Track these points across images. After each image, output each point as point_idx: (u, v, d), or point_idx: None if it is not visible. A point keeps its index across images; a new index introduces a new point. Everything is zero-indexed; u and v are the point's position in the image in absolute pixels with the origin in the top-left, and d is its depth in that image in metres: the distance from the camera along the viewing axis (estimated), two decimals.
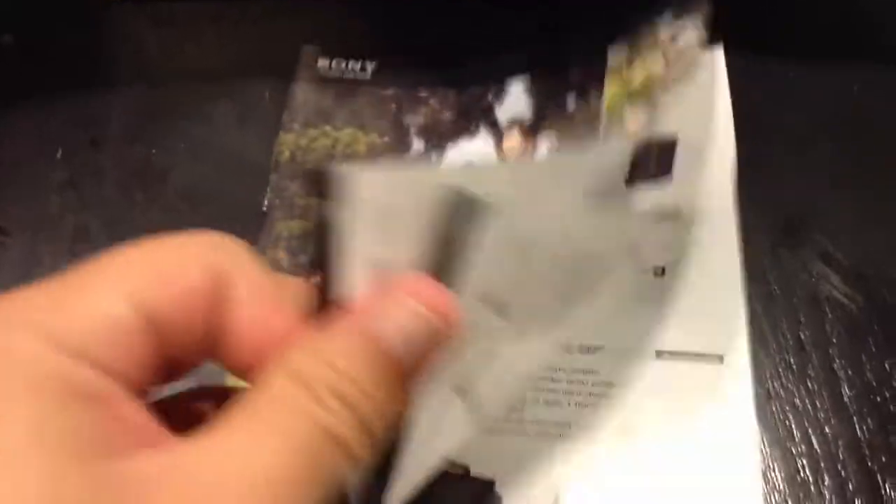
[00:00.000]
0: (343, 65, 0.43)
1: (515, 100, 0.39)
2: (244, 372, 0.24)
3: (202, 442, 0.20)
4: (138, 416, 0.21)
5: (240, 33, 0.45)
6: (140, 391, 0.22)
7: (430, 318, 0.23)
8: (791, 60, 0.41)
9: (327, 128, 0.41)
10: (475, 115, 0.40)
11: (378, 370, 0.22)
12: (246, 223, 0.38)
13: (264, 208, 0.39)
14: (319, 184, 0.22)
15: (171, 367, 0.23)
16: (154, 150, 0.41)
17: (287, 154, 0.40)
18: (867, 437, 0.32)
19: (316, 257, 0.23)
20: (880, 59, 0.41)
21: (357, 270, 0.23)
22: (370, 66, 0.43)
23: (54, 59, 0.44)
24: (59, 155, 0.41)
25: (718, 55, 0.41)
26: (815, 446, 0.32)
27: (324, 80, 0.43)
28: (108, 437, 0.20)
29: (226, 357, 0.24)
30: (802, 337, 0.35)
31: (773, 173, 0.39)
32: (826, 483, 0.32)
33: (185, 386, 0.25)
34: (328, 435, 0.20)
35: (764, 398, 0.33)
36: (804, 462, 0.32)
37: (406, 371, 0.22)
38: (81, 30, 0.45)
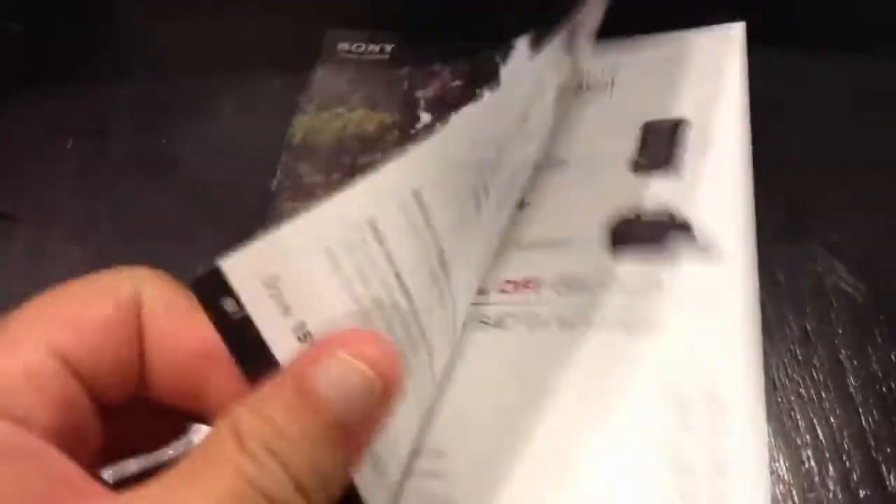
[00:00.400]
0: (362, 47, 0.43)
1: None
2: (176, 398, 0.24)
3: (139, 492, 0.20)
4: (66, 468, 0.21)
5: (248, 22, 0.45)
6: (88, 448, 0.22)
7: (368, 375, 0.22)
8: (801, 48, 0.41)
9: (340, 109, 0.41)
10: (484, 78, 0.40)
11: (313, 427, 0.21)
12: (254, 209, 0.38)
13: (273, 187, 0.39)
14: (210, 291, 0.21)
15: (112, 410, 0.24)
16: (164, 140, 0.42)
17: (299, 136, 0.41)
18: (872, 427, 0.32)
19: (241, 367, 0.22)
20: (890, 49, 0.41)
21: (286, 347, 0.23)
22: (389, 48, 0.43)
23: (62, 48, 0.44)
24: (69, 144, 0.42)
25: (737, 37, 0.40)
26: (820, 437, 0.32)
27: (342, 63, 0.43)
28: (24, 492, 0.20)
29: (155, 382, 0.25)
30: (808, 327, 0.35)
31: (776, 162, 0.38)
32: (830, 473, 0.32)
33: (158, 459, 0.25)
34: (255, 488, 0.20)
35: (769, 388, 0.33)
36: (809, 452, 0.32)
37: (345, 430, 0.22)
38: (89, 19, 0.45)
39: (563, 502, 0.29)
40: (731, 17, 0.40)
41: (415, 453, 0.30)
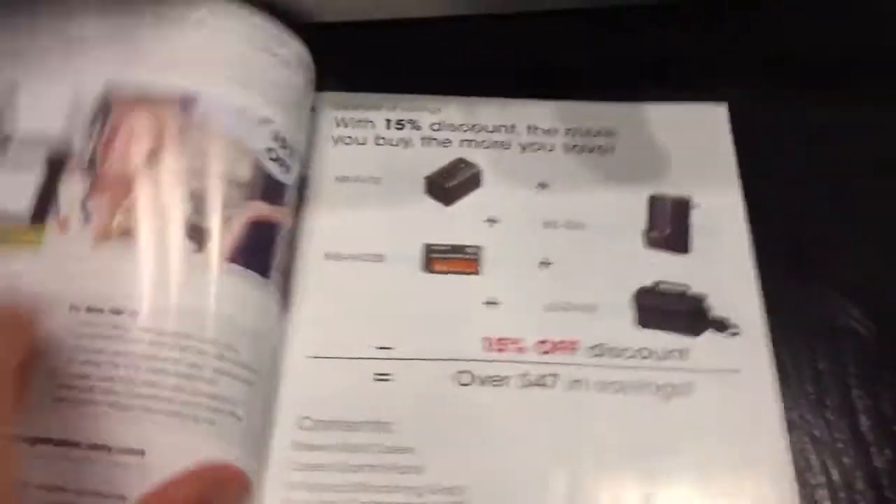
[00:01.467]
0: None
1: None
2: None
3: None
4: None
5: None
6: None
7: None
8: (798, 93, 0.42)
9: None
10: None
11: None
12: None
13: None
14: None
15: None
16: None
17: None
18: (884, 467, 0.33)
19: None
20: (890, 89, 0.42)
21: None
22: None
23: None
24: None
25: (721, 113, 0.42)
26: (833, 477, 0.33)
27: None
28: None
29: None
30: (820, 367, 0.35)
31: (786, 203, 0.39)
32: None
33: None
34: None
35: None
36: (823, 493, 0.33)
37: None
38: None
39: None
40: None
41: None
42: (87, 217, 0.34)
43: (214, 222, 0.34)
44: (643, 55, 0.43)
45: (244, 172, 0.35)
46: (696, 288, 0.37)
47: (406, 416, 0.34)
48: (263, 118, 0.37)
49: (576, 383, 0.35)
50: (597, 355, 0.35)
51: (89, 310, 0.32)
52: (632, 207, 0.39)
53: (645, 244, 0.38)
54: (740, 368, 0.35)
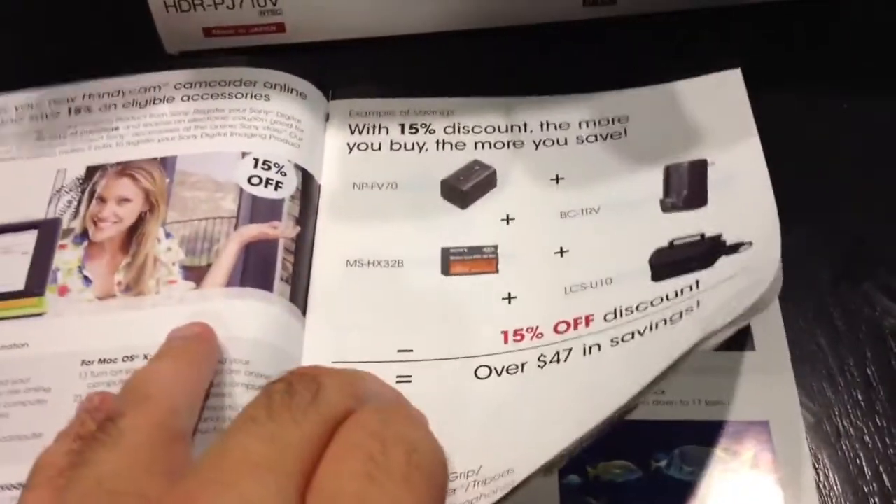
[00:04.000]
0: None
1: None
2: None
3: None
4: None
5: None
6: None
7: None
8: (848, 89, 0.42)
9: None
10: None
11: None
12: None
13: None
14: None
15: None
16: None
17: None
18: None
19: None
20: None
21: None
22: None
23: None
24: None
25: (736, 79, 0.41)
26: (887, 484, 0.33)
27: None
28: None
29: None
30: (869, 373, 0.35)
31: (832, 206, 0.39)
32: None
33: None
34: None
35: (834, 436, 0.33)
36: (876, 500, 0.32)
37: None
38: None
39: None
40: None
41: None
42: (86, 282, 0.36)
43: (206, 258, 0.37)
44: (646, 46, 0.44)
45: (229, 205, 0.38)
46: (711, 231, 0.36)
47: (428, 414, 0.34)
48: (241, 153, 0.39)
49: (590, 349, 0.34)
50: (612, 320, 0.35)
51: (101, 361, 0.34)
52: (647, 182, 0.39)
53: (661, 210, 0.38)
54: (748, 265, 0.33)
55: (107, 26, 0.47)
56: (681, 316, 0.33)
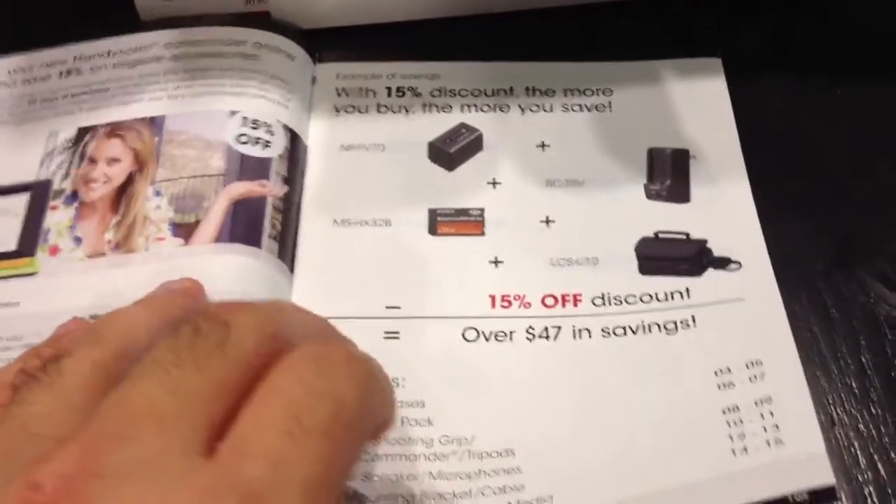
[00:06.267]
0: None
1: None
2: None
3: None
4: None
5: None
6: None
7: None
8: (843, 78, 0.41)
9: None
10: None
11: None
12: None
13: None
14: None
15: None
16: None
17: None
18: None
19: None
20: None
21: None
22: None
23: None
24: None
25: (718, 68, 0.42)
26: (882, 473, 0.32)
27: None
28: None
29: None
30: (863, 360, 0.35)
31: (826, 193, 0.38)
32: None
33: None
34: None
35: (828, 424, 0.33)
36: (871, 489, 0.32)
37: None
38: None
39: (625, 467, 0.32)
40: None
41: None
42: (76, 242, 0.37)
43: (195, 215, 0.37)
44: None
45: (217, 163, 0.38)
46: (696, 234, 0.37)
47: (415, 372, 0.34)
48: (230, 112, 0.40)
49: (580, 333, 0.35)
50: (600, 305, 0.36)
51: (92, 318, 0.34)
52: (631, 161, 0.40)
53: (645, 196, 0.39)
54: (744, 297, 0.35)
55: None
56: (676, 328, 0.35)
